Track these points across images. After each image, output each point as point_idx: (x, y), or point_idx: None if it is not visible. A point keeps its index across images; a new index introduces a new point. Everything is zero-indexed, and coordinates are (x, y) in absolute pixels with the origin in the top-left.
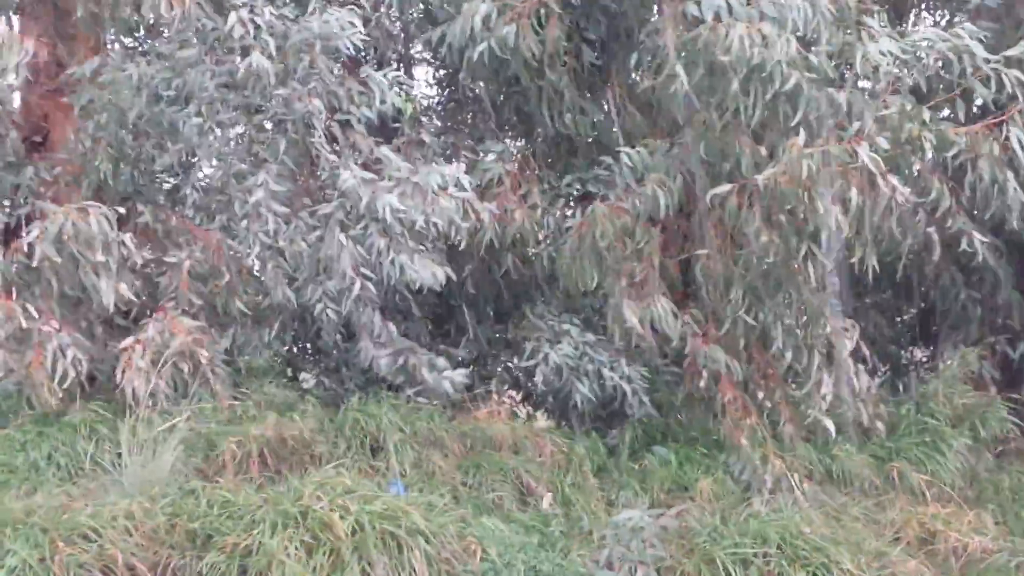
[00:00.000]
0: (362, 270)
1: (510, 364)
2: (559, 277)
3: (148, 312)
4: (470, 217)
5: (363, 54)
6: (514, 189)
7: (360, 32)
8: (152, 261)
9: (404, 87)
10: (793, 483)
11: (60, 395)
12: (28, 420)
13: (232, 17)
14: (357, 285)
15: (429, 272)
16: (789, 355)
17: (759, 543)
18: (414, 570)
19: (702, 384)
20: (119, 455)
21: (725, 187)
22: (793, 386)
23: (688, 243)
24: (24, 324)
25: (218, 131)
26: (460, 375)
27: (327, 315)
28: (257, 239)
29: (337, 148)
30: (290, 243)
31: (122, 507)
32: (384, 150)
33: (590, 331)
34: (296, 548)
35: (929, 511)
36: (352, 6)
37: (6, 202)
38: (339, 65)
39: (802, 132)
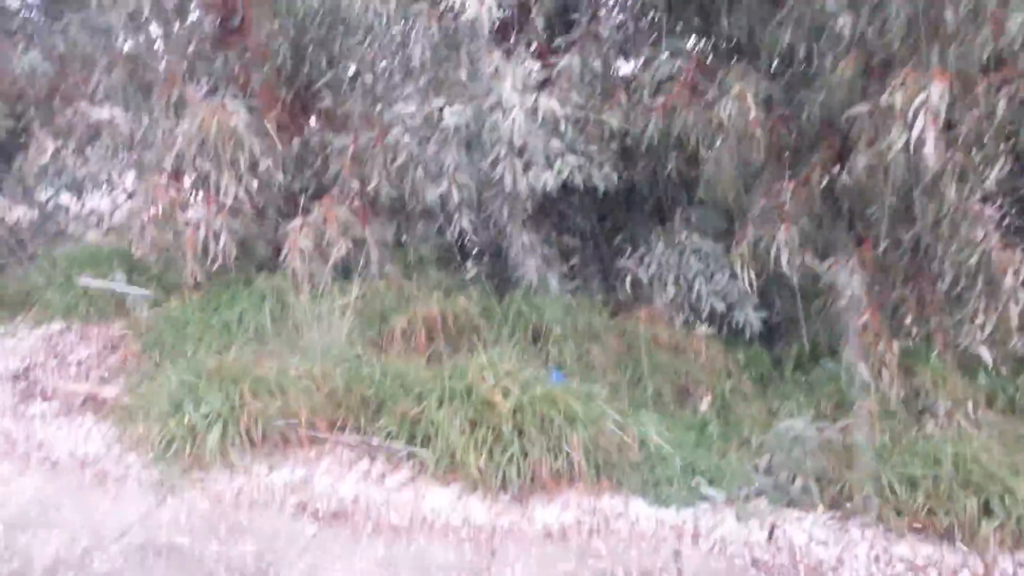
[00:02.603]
0: (505, 177)
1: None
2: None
3: (321, 197)
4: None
5: None
6: (687, 88)
7: None
8: (322, 147)
9: None
10: (968, 410)
11: (204, 274)
12: (219, 285)
13: None
14: (503, 192)
15: (583, 177)
16: (948, 279)
17: (929, 465)
18: (570, 454)
19: (842, 304)
20: (299, 324)
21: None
22: (950, 314)
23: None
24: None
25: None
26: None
27: (464, 223)
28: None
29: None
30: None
31: (304, 369)
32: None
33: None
34: (460, 422)
35: None
36: None
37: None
38: None
39: None
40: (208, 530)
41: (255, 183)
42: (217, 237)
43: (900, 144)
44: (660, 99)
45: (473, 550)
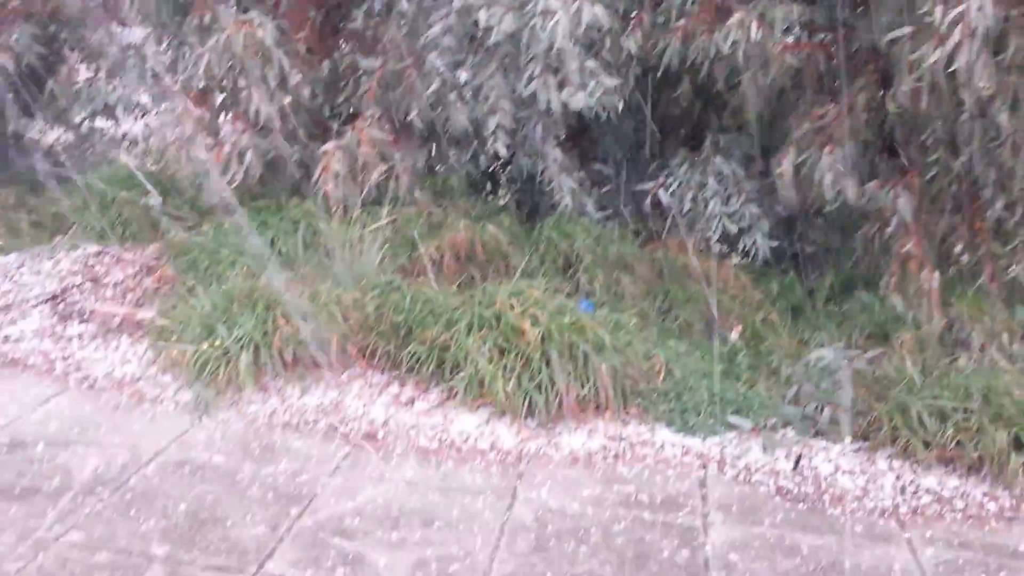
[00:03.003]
0: (539, 95)
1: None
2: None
3: (353, 121)
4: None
5: None
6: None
7: None
8: (353, 70)
9: None
10: (1004, 343)
11: (231, 192)
12: (252, 210)
13: None
14: (537, 112)
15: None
16: (999, 207)
17: (960, 398)
18: (597, 382)
19: (888, 232)
20: (330, 250)
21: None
22: (999, 244)
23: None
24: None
25: None
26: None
27: (496, 146)
28: (439, 71)
29: None
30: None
31: (335, 295)
32: None
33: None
34: (489, 349)
35: None
36: None
37: None
38: None
39: None
40: (242, 450)
41: (286, 100)
42: (242, 156)
43: (940, 63)
44: (682, 22)
45: (500, 474)
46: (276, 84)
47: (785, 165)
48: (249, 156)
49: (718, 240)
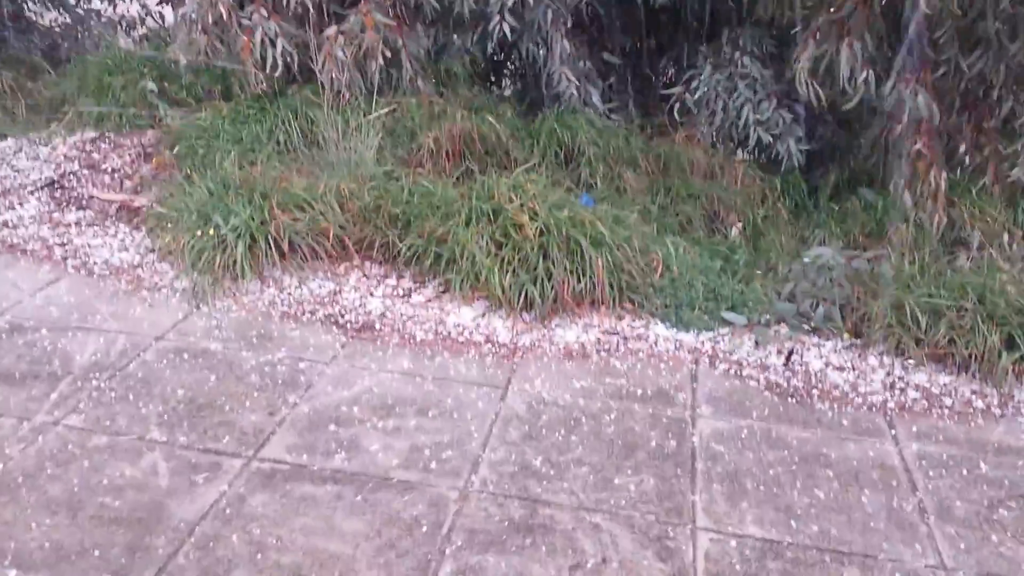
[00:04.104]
0: None
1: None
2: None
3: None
4: None
5: None
6: None
7: None
8: None
9: None
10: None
11: (266, 83)
12: (251, 98)
13: None
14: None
15: None
16: (1008, 106)
17: (955, 296)
18: (593, 277)
19: (898, 130)
20: (329, 139)
21: None
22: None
23: None
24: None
25: None
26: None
27: (503, 27)
28: None
29: None
30: None
31: (332, 185)
32: None
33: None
34: (487, 242)
35: None
36: None
37: None
38: None
39: None
40: (240, 338)
41: None
42: (273, 43)
43: None
44: None
45: (495, 365)
46: None
47: (803, 61)
48: (280, 44)
49: (752, 149)
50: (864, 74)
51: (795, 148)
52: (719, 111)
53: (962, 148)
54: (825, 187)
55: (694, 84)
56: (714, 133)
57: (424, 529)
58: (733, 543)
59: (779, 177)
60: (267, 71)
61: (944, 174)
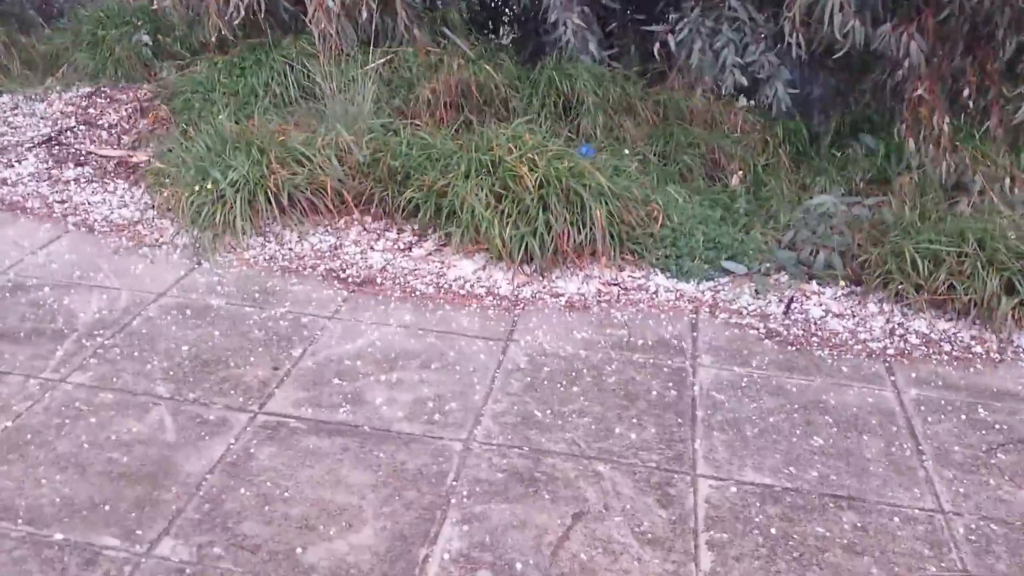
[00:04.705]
0: None
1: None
2: None
3: None
4: None
5: None
6: None
7: None
8: None
9: None
10: (1005, 188)
11: (226, 29)
12: (246, 49)
13: None
14: None
15: None
16: (1012, 48)
17: (955, 242)
18: (594, 228)
19: (900, 74)
20: (325, 92)
21: None
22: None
23: None
24: None
25: None
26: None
27: None
28: None
29: None
30: None
31: (330, 138)
32: None
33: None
34: (486, 195)
35: None
36: None
37: None
38: None
39: None
40: (242, 293)
41: None
42: None
43: None
44: None
45: (496, 317)
46: None
47: (794, 8)
48: None
49: (732, 91)
50: (856, 20)
51: (783, 92)
52: (695, 52)
53: (965, 92)
54: (826, 134)
55: (679, 26)
56: (707, 79)
57: (430, 480)
58: (733, 489)
59: (779, 124)
60: (227, 18)
61: (947, 119)
